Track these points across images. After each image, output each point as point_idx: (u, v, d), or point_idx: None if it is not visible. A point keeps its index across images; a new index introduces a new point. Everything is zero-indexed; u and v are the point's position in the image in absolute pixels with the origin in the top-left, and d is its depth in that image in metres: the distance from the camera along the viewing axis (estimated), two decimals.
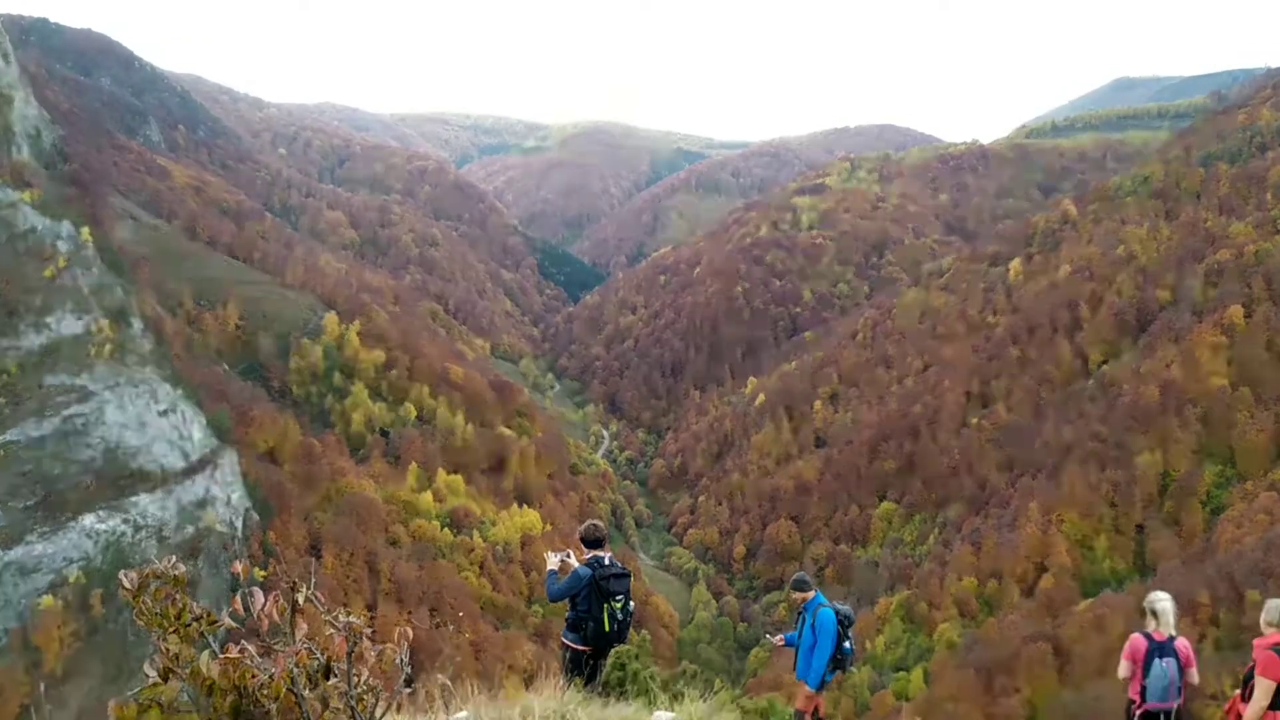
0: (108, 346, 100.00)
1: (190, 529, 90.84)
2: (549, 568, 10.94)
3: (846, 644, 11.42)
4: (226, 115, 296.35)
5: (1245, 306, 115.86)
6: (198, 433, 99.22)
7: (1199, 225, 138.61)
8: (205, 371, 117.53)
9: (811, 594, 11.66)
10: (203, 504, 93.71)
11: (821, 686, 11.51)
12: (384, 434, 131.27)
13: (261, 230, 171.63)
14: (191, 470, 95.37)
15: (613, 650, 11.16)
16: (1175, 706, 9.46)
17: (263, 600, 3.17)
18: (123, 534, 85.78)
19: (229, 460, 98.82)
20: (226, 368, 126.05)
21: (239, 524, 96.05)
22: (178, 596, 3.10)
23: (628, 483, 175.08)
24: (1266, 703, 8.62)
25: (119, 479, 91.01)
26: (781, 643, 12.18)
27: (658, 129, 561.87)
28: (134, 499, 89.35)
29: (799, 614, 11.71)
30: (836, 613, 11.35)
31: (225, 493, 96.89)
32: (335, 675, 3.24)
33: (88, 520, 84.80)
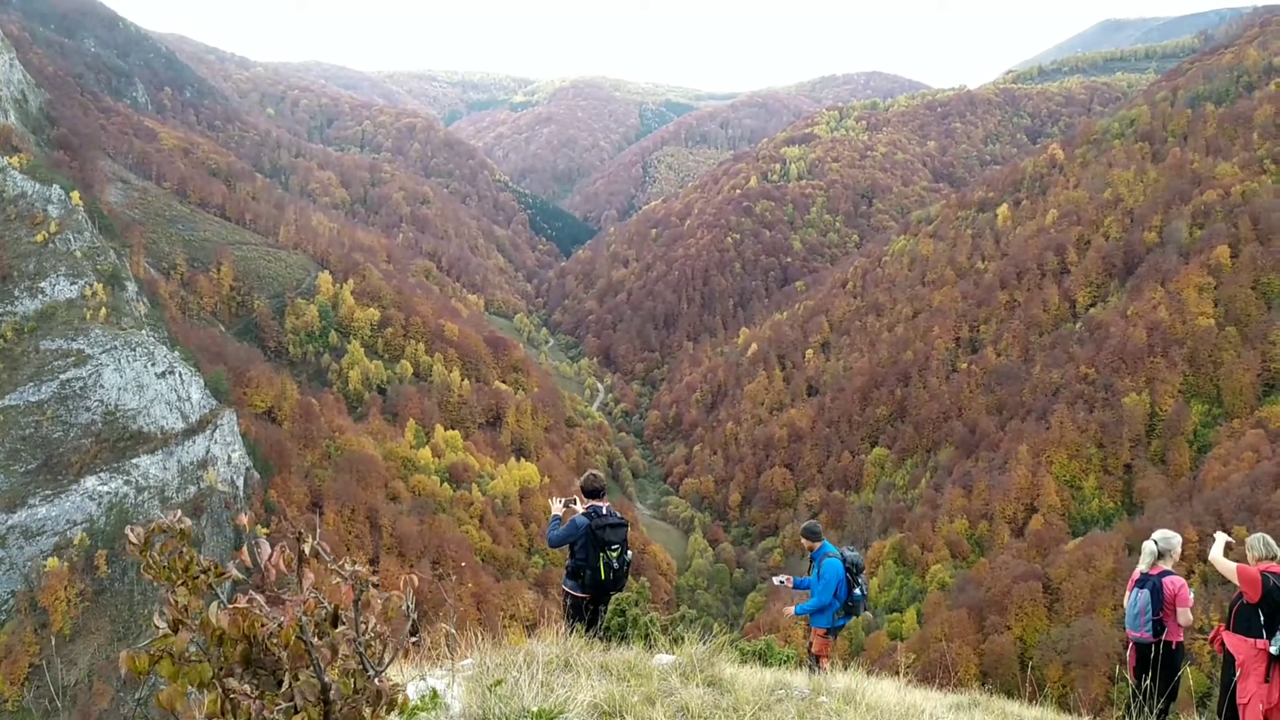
0: (103, 310, 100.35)
1: (192, 489, 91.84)
2: (554, 512, 11.07)
3: (857, 590, 11.58)
4: (213, 75, 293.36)
5: (1231, 246, 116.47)
6: (196, 393, 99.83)
7: (1186, 167, 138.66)
8: (201, 333, 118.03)
9: (819, 544, 11.84)
10: (203, 464, 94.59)
11: (834, 632, 11.76)
12: (381, 391, 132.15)
13: (252, 191, 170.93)
14: (191, 431, 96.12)
15: (613, 597, 11.30)
16: (1151, 639, 9.64)
17: (269, 551, 3.11)
18: (125, 495, 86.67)
19: (228, 420, 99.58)
20: (222, 328, 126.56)
21: (240, 483, 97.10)
22: (184, 550, 3.04)
23: (623, 434, 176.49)
24: (1223, 565, 9.26)
25: (119, 441, 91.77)
26: (790, 584, 12.36)
27: (646, 82, 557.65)
28: (135, 460, 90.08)
29: (810, 561, 11.97)
30: (844, 560, 11.60)
31: (225, 452, 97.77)
32: (343, 623, 3.21)
33: (89, 482, 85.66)
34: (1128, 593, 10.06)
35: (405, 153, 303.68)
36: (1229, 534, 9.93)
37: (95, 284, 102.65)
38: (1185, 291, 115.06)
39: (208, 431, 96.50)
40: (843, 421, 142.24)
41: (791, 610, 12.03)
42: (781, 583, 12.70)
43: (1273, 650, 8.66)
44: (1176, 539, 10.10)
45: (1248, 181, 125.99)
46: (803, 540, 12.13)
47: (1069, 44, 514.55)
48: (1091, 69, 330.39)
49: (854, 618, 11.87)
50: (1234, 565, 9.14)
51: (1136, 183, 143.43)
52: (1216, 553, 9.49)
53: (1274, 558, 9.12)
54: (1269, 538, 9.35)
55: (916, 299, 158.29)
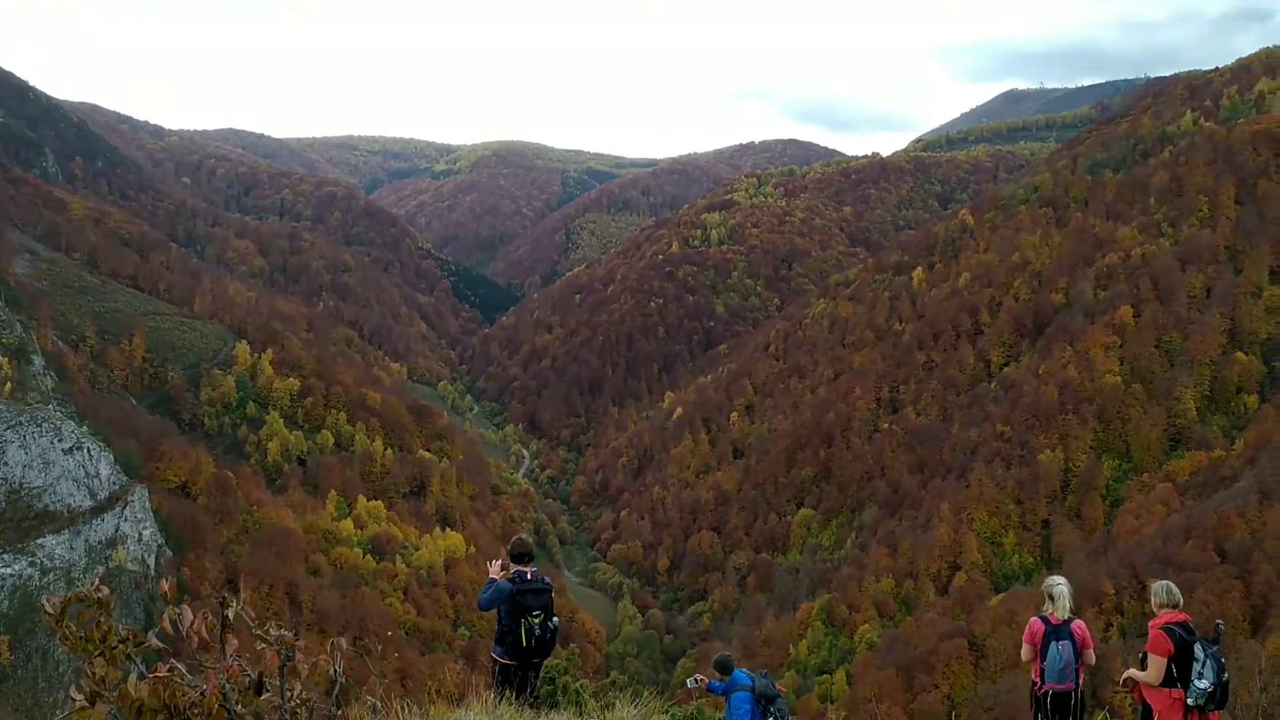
0: (7, 385, 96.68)
1: (100, 569, 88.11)
2: (490, 574, 10.97)
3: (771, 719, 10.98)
4: (126, 144, 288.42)
5: (1134, 307, 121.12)
6: (105, 469, 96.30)
7: (1088, 231, 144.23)
8: (111, 406, 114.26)
9: (729, 676, 11.36)
10: (113, 542, 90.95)
11: None
12: (301, 463, 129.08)
13: (166, 261, 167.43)
14: (100, 509, 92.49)
15: (544, 664, 11.35)
16: (1073, 687, 9.72)
17: (191, 617, 3.08)
18: (30, 577, 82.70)
19: (139, 496, 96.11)
20: (134, 401, 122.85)
21: (151, 561, 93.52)
22: (102, 619, 3.01)
23: (550, 501, 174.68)
24: (1157, 678, 9.06)
25: (23, 521, 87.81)
26: (704, 685, 11.87)
27: (567, 148, 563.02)
28: (40, 541, 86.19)
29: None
30: (754, 691, 11.12)
31: (136, 530, 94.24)
32: (267, 690, 3.17)
33: None
34: (1032, 646, 10.06)
35: (326, 221, 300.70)
36: (1144, 586, 10.24)
37: (0, 358, 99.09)
38: (1092, 350, 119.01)
39: (117, 509, 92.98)
40: (768, 483, 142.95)
41: None
42: (695, 684, 12.25)
43: (1189, 701, 8.89)
44: (1060, 589, 10.20)
45: (1147, 244, 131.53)
46: (716, 674, 11.70)
47: (974, 114, 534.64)
48: (996, 138, 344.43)
49: None
50: (1146, 672, 9.26)
51: (1042, 246, 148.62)
52: (1133, 671, 9.54)
53: (1176, 605, 9.45)
54: (1172, 585, 9.68)
55: (837, 361, 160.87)
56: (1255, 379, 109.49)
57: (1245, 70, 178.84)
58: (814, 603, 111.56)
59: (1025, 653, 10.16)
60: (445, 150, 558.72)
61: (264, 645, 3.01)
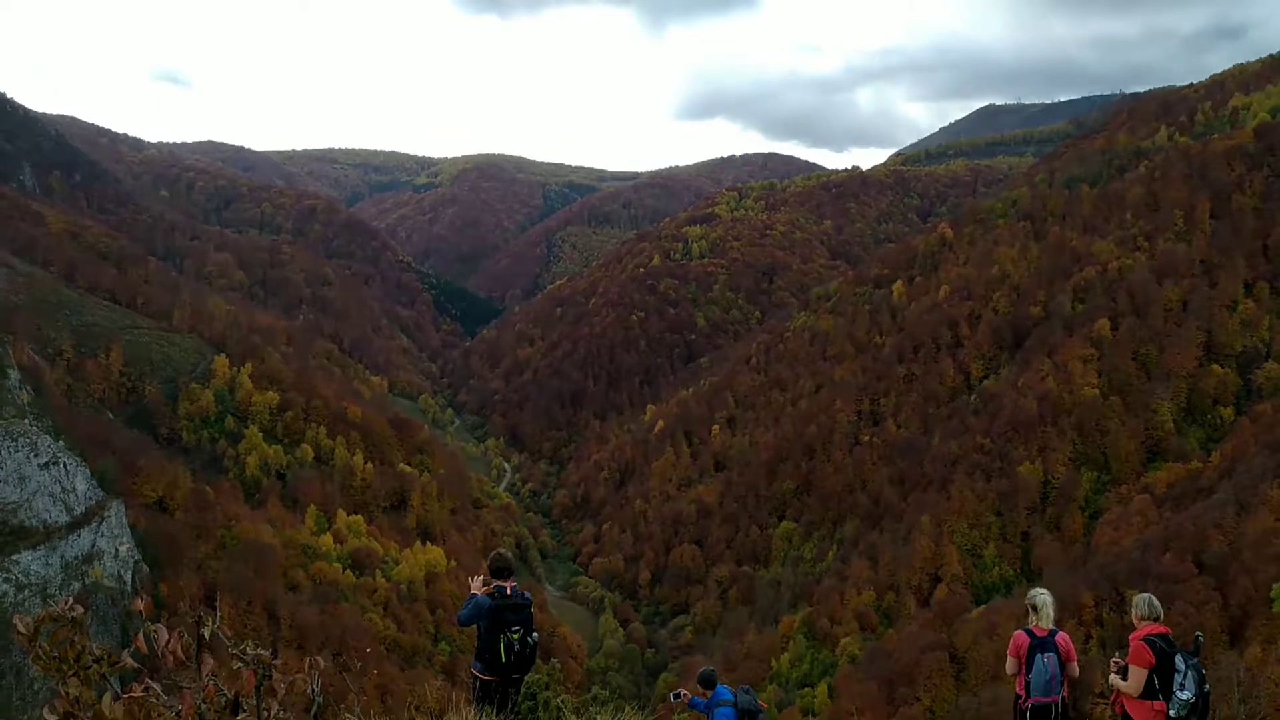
0: None
1: (76, 585, 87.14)
2: (472, 590, 10.94)
3: None
4: (105, 158, 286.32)
5: (1111, 319, 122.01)
6: (81, 485, 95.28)
7: (1065, 244, 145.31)
8: (89, 421, 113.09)
9: (712, 691, 11.59)
10: (89, 559, 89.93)
11: None
12: (280, 477, 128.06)
13: (145, 274, 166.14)
14: (76, 524, 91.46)
15: (524, 680, 11.30)
16: (1058, 700, 9.73)
17: (166, 636, 3.01)
18: (4, 594, 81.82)
19: (116, 512, 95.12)
20: (111, 416, 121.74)
21: (129, 577, 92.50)
22: (76, 638, 2.93)
23: (531, 514, 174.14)
24: (1137, 689, 9.12)
25: None
26: (687, 700, 12.02)
27: (549, 162, 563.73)
28: (15, 557, 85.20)
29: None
30: (737, 707, 11.34)
31: (113, 546, 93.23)
32: (244, 710, 3.11)
33: None
34: (1017, 659, 10.02)
35: (306, 234, 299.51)
36: (1124, 598, 10.28)
37: None
38: (1071, 363, 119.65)
39: (94, 524, 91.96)
40: (750, 496, 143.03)
41: None
42: (677, 699, 12.33)
43: (1171, 713, 8.94)
44: (1043, 599, 10.20)
45: (1123, 258, 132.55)
46: (699, 688, 11.86)
47: (952, 129, 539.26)
48: (974, 152, 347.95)
49: None
50: (1127, 680, 9.31)
51: (1021, 259, 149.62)
52: (1114, 679, 9.60)
53: (1157, 618, 9.50)
54: (1153, 598, 9.73)
55: (818, 373, 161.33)
56: (1231, 391, 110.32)
57: (1219, 86, 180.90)
58: (795, 616, 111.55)
59: (1010, 666, 10.09)
60: (426, 163, 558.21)
61: (240, 664, 2.95)
